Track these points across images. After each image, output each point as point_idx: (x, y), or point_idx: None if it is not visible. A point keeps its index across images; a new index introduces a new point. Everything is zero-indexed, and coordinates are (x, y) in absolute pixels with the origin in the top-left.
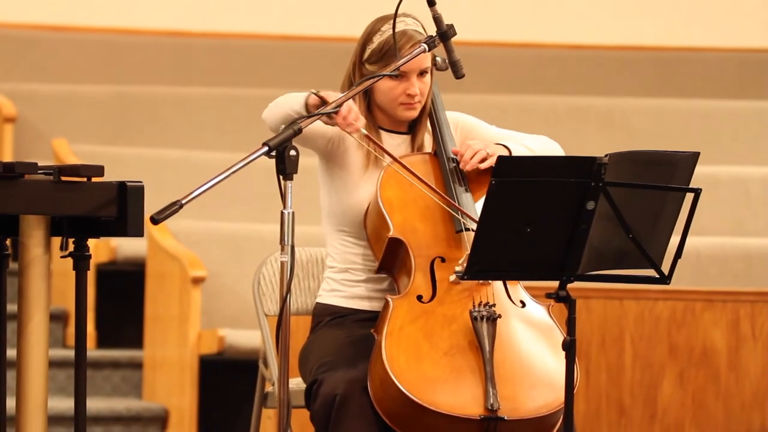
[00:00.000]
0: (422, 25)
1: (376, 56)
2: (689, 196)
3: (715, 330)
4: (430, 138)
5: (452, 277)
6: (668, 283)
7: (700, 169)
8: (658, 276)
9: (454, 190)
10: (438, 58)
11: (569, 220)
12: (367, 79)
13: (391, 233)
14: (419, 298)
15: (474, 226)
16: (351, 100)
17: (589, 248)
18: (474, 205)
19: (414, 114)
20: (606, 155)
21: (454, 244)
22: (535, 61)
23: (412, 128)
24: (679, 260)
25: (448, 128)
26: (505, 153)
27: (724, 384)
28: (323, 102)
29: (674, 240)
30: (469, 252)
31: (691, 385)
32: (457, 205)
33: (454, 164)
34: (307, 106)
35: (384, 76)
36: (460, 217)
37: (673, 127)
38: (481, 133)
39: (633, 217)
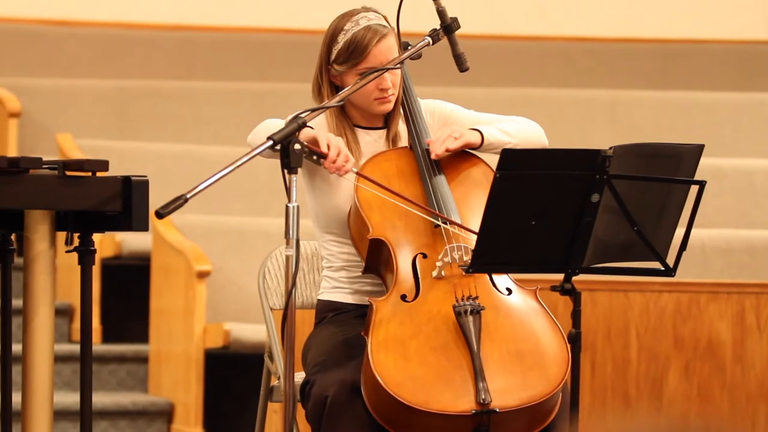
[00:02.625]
0: (385, 18)
1: (343, 56)
2: (694, 189)
3: (721, 322)
4: (406, 129)
5: (435, 273)
6: (673, 276)
7: (704, 162)
8: (663, 268)
9: (430, 181)
10: (410, 47)
11: (574, 213)
12: (371, 73)
13: (371, 234)
14: (403, 297)
15: (451, 224)
16: (340, 141)
17: (593, 241)
18: (450, 192)
19: (389, 107)
20: (610, 148)
21: (435, 239)
22: (538, 54)
23: (387, 122)
24: (684, 252)
25: (422, 119)
26: (477, 136)
27: (730, 376)
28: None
29: (679, 232)
30: (447, 246)
31: (697, 377)
32: (429, 209)
33: (429, 155)
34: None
35: (390, 69)
36: (439, 222)
37: (677, 119)
38: (458, 120)
39: (638, 209)
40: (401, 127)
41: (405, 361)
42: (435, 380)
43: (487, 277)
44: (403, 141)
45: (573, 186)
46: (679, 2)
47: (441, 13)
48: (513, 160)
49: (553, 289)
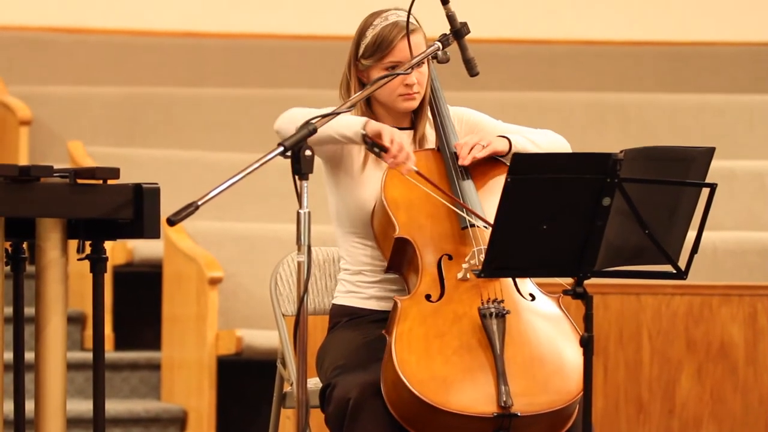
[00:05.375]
0: (414, 17)
1: (370, 50)
2: (705, 191)
3: (733, 324)
4: (433, 132)
5: (460, 275)
6: (685, 278)
7: (715, 164)
8: (674, 271)
9: (458, 183)
10: (438, 51)
11: (585, 217)
12: (378, 80)
13: (397, 233)
14: (428, 297)
15: (480, 223)
16: (404, 136)
17: (605, 244)
18: (478, 198)
19: (414, 105)
20: (621, 151)
21: (461, 241)
22: (549, 57)
23: (414, 123)
24: (696, 255)
25: (450, 122)
26: (504, 143)
27: (742, 378)
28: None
29: (690, 235)
30: (475, 248)
31: (709, 379)
32: (464, 204)
33: (457, 158)
34: (362, 137)
35: (400, 74)
36: (465, 215)
37: (687, 122)
38: (485, 128)
39: (649, 213)
40: (428, 131)
41: (428, 360)
42: (457, 380)
43: (510, 282)
44: (430, 144)
45: (584, 190)
46: (689, 4)
47: (451, 17)
48: (524, 164)
49: (566, 293)
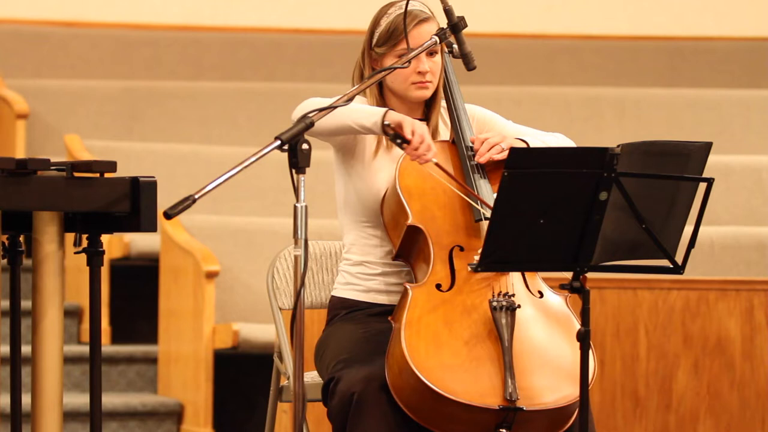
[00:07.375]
0: (428, 7)
1: (383, 38)
2: (702, 186)
3: (730, 319)
4: (446, 127)
5: (471, 266)
6: (682, 273)
7: (712, 159)
8: (671, 266)
9: (473, 178)
10: (454, 45)
11: (582, 211)
12: (380, 72)
13: (410, 221)
14: (438, 286)
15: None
16: (425, 127)
17: (602, 239)
18: (492, 195)
19: (427, 94)
20: (618, 146)
21: (473, 233)
22: (546, 52)
23: (426, 113)
24: (693, 250)
25: (466, 116)
26: (523, 146)
27: (739, 373)
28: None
29: (687, 230)
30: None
31: (706, 374)
32: (478, 195)
33: (472, 152)
34: (384, 127)
35: (396, 68)
36: (480, 208)
37: (685, 116)
38: (497, 127)
39: (646, 207)
40: (441, 124)
41: (437, 349)
42: (465, 370)
43: (520, 278)
44: (441, 136)
45: (581, 184)
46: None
47: (448, 12)
48: (521, 158)
49: (562, 287)
